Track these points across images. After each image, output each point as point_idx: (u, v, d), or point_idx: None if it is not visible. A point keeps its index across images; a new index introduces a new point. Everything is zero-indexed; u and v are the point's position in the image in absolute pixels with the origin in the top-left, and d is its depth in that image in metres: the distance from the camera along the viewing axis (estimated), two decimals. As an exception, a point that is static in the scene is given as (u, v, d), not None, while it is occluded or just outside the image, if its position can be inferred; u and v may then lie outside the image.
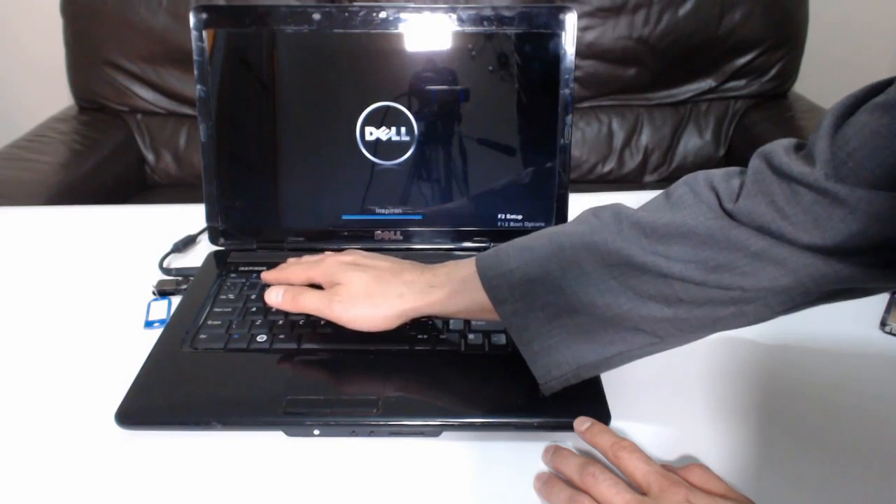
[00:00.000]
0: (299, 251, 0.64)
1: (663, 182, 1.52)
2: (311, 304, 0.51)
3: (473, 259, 0.48)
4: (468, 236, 0.65)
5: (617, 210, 0.46)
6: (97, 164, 1.38)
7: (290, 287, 0.53)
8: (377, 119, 0.62)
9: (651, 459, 0.41)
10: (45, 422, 0.49)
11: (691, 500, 0.38)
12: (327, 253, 0.57)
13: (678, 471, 0.41)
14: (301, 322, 0.55)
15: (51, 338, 0.58)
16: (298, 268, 0.55)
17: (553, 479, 0.42)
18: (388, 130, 0.62)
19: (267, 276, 0.56)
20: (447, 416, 0.47)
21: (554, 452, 0.44)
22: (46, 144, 1.37)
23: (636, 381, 0.52)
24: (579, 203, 0.68)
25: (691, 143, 1.52)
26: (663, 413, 0.49)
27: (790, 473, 0.44)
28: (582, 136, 1.51)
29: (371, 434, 0.47)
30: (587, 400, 0.47)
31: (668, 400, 0.50)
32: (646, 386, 0.52)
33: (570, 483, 0.42)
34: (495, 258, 0.46)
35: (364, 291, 0.50)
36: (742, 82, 1.49)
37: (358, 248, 0.58)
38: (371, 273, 0.51)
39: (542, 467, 0.45)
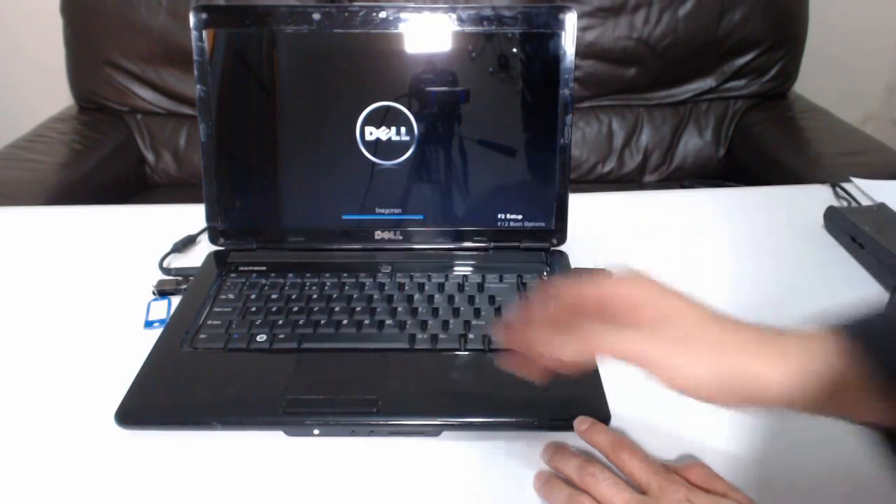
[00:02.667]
0: (299, 251, 0.64)
1: (663, 182, 1.51)
2: None
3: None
4: (468, 236, 0.65)
5: None
6: (97, 164, 1.38)
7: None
8: (377, 119, 0.62)
9: (651, 458, 0.41)
10: (46, 421, 0.49)
11: (691, 498, 0.38)
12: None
13: (679, 469, 0.41)
14: (301, 322, 0.55)
15: (51, 338, 0.58)
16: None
17: (552, 479, 0.42)
18: (388, 130, 0.62)
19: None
20: (447, 416, 0.47)
21: (553, 452, 0.44)
22: (46, 144, 1.37)
23: (636, 380, 0.52)
24: (579, 203, 0.68)
25: (691, 143, 1.52)
26: (663, 412, 0.49)
27: (790, 472, 0.44)
28: (582, 136, 1.51)
29: (371, 434, 0.47)
30: (587, 399, 0.47)
31: (668, 399, 0.50)
32: (646, 385, 0.51)
33: (569, 482, 0.42)
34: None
35: None
36: (742, 82, 1.48)
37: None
38: None
39: (542, 466, 0.45)
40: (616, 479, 0.40)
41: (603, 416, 0.46)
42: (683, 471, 0.41)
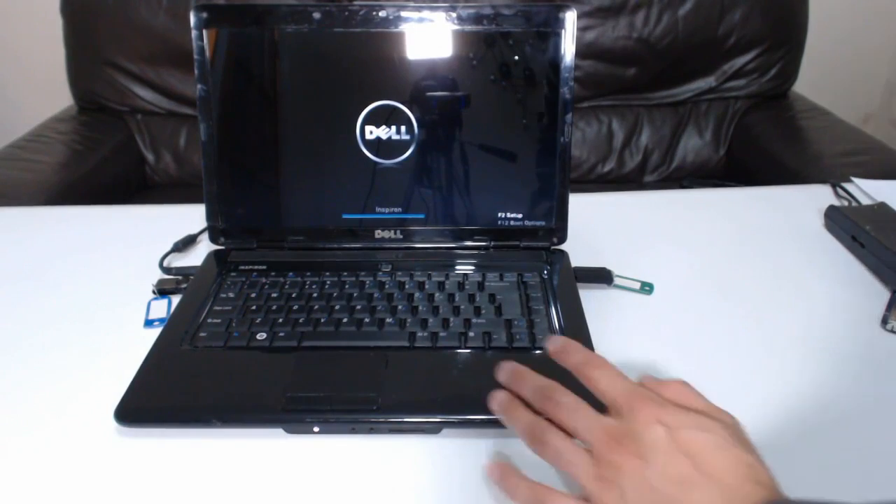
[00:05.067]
0: (299, 250, 0.64)
1: (663, 182, 1.52)
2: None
3: None
4: (468, 235, 0.65)
5: None
6: (97, 164, 1.38)
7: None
8: (377, 118, 0.62)
9: (624, 376, 0.37)
10: (46, 420, 0.49)
11: (663, 419, 0.34)
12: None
13: (654, 386, 0.37)
14: (301, 320, 0.55)
15: (51, 336, 0.58)
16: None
17: (513, 403, 0.39)
18: (388, 129, 0.62)
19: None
20: (447, 414, 0.47)
21: (511, 372, 0.39)
22: (46, 144, 1.37)
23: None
24: (579, 203, 0.68)
25: (691, 143, 1.52)
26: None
27: (790, 472, 0.44)
28: (582, 136, 1.51)
29: (371, 431, 0.47)
30: (587, 397, 0.47)
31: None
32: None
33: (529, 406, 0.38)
34: None
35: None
36: (742, 82, 1.48)
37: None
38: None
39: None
40: (578, 404, 0.36)
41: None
42: (659, 387, 0.36)
